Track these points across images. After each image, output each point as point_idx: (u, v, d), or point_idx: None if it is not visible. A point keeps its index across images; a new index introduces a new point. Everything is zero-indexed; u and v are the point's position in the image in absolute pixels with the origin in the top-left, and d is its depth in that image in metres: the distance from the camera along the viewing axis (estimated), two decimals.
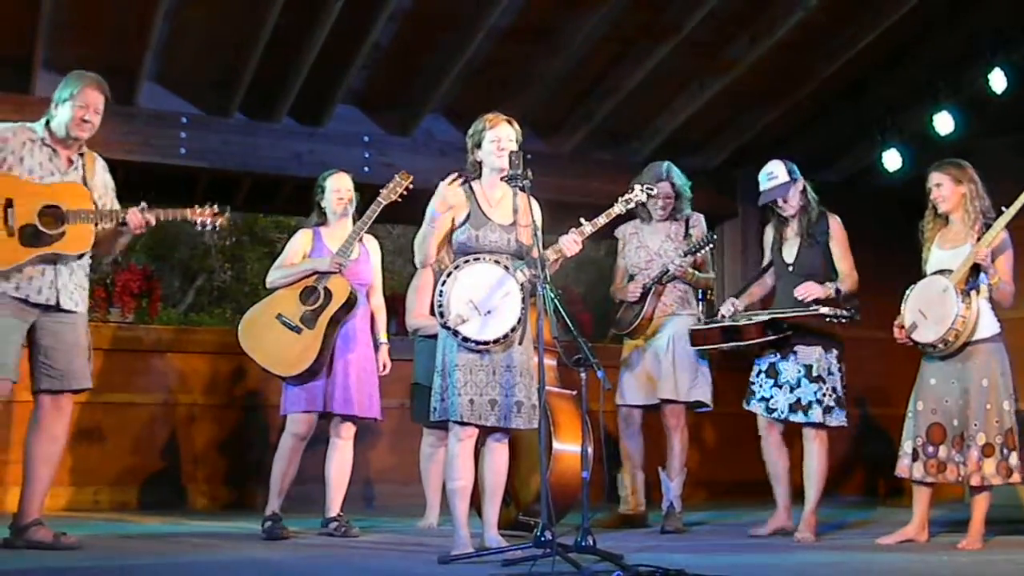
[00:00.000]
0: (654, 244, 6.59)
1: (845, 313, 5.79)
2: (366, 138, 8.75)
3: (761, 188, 6.15)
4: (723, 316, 6.19)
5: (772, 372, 6.07)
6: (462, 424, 5.00)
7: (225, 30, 7.55)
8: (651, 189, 5.72)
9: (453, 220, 5.19)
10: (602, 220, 5.43)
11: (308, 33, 7.49)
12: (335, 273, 5.95)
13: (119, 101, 7.60)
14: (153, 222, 5.32)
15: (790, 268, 6.11)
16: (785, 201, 6.09)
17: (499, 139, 5.18)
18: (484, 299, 4.99)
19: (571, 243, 5.20)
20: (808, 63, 8.38)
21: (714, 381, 6.57)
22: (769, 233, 6.31)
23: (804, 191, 6.12)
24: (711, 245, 6.46)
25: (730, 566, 4.95)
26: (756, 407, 6.13)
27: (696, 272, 6.51)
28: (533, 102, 8.46)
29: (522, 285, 5.03)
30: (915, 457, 5.70)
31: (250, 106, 8.39)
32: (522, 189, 5.04)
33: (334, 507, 6.07)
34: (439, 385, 5.09)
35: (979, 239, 5.56)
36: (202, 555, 5.17)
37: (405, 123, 8.81)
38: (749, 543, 6.06)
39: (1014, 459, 5.49)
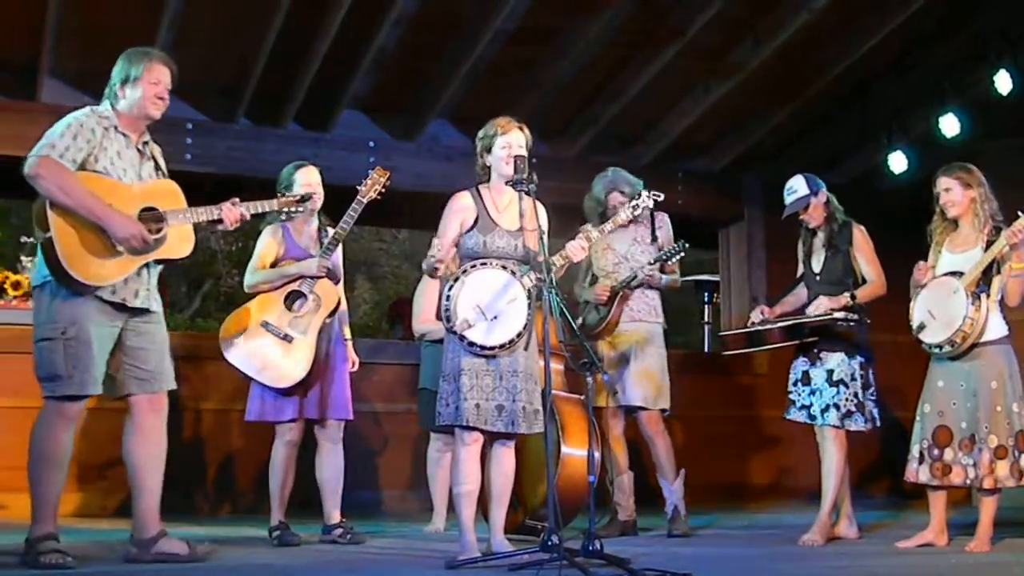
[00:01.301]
0: (621, 247, 6.57)
1: (853, 316, 5.89)
2: (372, 143, 8.75)
3: (785, 203, 6.24)
4: (752, 323, 6.28)
5: (807, 380, 6.10)
6: (468, 429, 5.01)
7: (230, 36, 7.56)
8: (658, 196, 5.72)
9: (461, 225, 5.19)
10: (609, 227, 5.45)
11: (313, 39, 7.49)
12: (321, 277, 5.88)
13: None
14: (248, 215, 5.20)
15: (817, 277, 6.19)
16: (807, 213, 6.14)
17: (509, 145, 5.15)
18: (490, 304, 5.00)
19: (577, 249, 5.20)
20: (813, 66, 8.37)
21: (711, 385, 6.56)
22: (800, 245, 6.37)
23: (827, 203, 6.18)
24: (683, 253, 6.42)
25: (738, 570, 4.96)
26: (797, 416, 6.13)
27: (664, 276, 6.49)
28: (538, 106, 8.46)
29: (528, 290, 5.04)
30: (921, 460, 5.71)
31: (256, 112, 8.39)
32: (527, 193, 5.06)
33: (335, 514, 6.02)
34: (445, 390, 5.10)
35: (989, 242, 5.58)
36: (210, 560, 5.15)
37: (410, 128, 8.81)
38: (757, 546, 6.06)
39: None
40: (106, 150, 4.80)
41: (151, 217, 4.83)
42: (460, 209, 5.21)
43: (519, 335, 5.01)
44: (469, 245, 5.16)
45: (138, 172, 4.94)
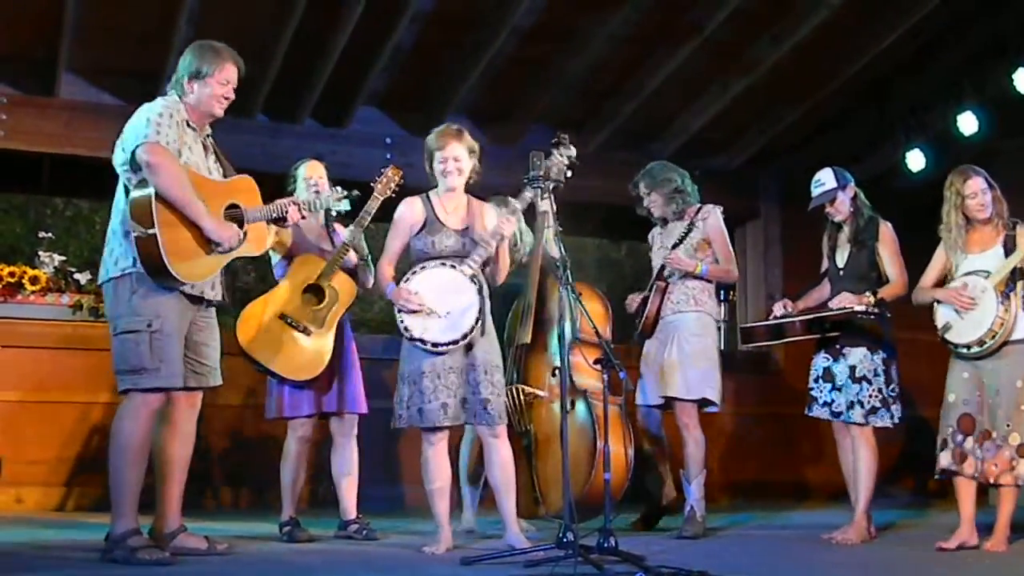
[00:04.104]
0: (669, 242, 6.46)
1: (873, 309, 5.83)
2: (388, 139, 8.76)
3: (812, 195, 6.21)
4: (775, 316, 6.24)
5: (828, 376, 6.06)
6: (434, 429, 5.21)
7: (247, 33, 7.55)
8: (564, 139, 5.62)
9: (411, 229, 5.42)
10: (528, 194, 5.44)
11: (330, 35, 7.50)
12: (337, 271, 5.84)
13: (143, 103, 7.65)
14: (306, 215, 5.27)
15: (841, 272, 6.14)
16: (833, 206, 6.12)
17: (446, 160, 5.36)
18: (439, 302, 5.15)
19: (505, 222, 5.32)
20: (831, 63, 8.35)
21: (727, 382, 6.46)
22: (825, 239, 6.32)
23: (855, 197, 6.15)
24: (690, 232, 6.32)
25: (753, 567, 4.95)
26: (820, 412, 6.09)
27: (700, 263, 6.31)
28: (555, 103, 8.47)
29: (471, 277, 5.17)
30: (944, 447, 5.64)
31: (273, 108, 8.41)
32: (543, 190, 5.12)
33: (351, 509, 6.00)
34: (403, 393, 5.26)
35: (1007, 237, 5.55)
36: (227, 556, 5.17)
37: (427, 124, 8.70)
38: (773, 545, 6.05)
39: None
40: (185, 144, 4.83)
41: (233, 216, 4.88)
42: (408, 217, 5.43)
43: (477, 321, 5.15)
44: (419, 247, 5.37)
45: (208, 166, 4.97)
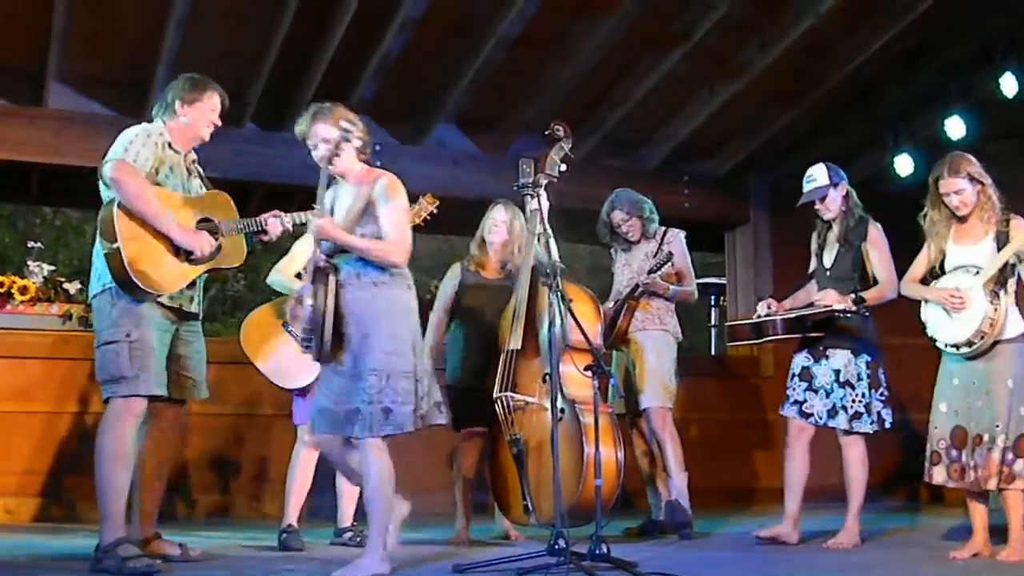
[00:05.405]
0: (636, 263, 6.73)
1: (852, 308, 5.81)
2: (377, 147, 8.72)
3: (803, 190, 6.17)
4: (758, 315, 6.23)
5: (806, 375, 6.03)
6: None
7: (236, 41, 7.57)
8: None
9: None
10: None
11: (319, 43, 7.51)
12: None
13: (132, 113, 7.64)
14: (289, 228, 5.31)
15: (828, 272, 6.10)
16: (823, 204, 6.09)
17: (314, 147, 4.95)
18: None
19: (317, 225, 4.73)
20: (819, 68, 8.37)
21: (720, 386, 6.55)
22: (815, 237, 6.28)
23: (847, 196, 6.11)
24: (669, 263, 6.49)
25: (746, 573, 4.95)
26: (789, 411, 6.09)
27: (671, 286, 6.61)
28: (544, 110, 8.46)
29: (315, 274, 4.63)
30: (938, 461, 5.55)
31: (262, 116, 8.41)
32: (532, 196, 5.12)
33: (348, 517, 6.06)
34: None
35: (999, 232, 5.44)
36: (221, 564, 5.17)
37: (416, 133, 8.81)
38: (765, 550, 6.04)
39: None
40: (164, 164, 4.98)
41: (207, 228, 4.99)
42: None
43: (313, 324, 4.56)
44: None
45: (188, 188, 5.11)
